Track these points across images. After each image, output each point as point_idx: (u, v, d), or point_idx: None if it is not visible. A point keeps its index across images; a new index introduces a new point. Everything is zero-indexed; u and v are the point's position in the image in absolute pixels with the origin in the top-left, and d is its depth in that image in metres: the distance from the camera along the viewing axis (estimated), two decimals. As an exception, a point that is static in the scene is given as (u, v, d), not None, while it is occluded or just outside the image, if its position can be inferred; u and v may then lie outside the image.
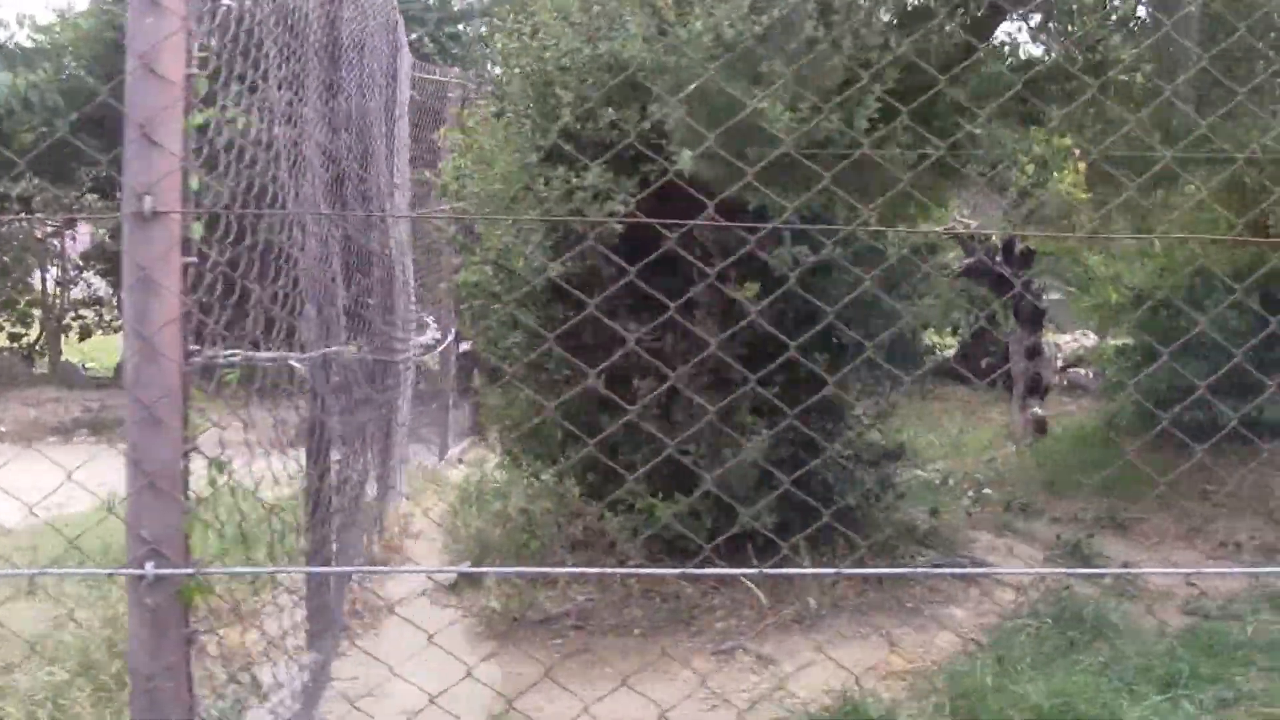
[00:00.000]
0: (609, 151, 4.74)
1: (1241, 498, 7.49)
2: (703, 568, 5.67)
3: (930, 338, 14.39)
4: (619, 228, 4.70)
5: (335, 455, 5.42)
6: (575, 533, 6.16)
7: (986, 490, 8.03)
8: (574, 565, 5.98)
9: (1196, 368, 7.37)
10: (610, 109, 4.71)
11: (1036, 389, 8.94)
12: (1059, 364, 9.42)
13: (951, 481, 8.26)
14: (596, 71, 4.67)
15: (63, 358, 16.72)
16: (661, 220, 4.90)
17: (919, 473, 8.64)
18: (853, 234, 5.28)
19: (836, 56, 4.55)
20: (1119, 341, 8.73)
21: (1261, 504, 7.39)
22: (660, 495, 5.56)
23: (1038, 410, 8.82)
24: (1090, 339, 9.76)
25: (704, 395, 5.31)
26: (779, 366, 4.81)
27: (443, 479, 8.88)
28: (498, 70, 5.05)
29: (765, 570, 4.94)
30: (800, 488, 5.46)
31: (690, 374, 5.26)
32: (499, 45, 4.93)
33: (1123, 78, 6.39)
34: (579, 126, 4.83)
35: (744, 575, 5.33)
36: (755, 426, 5.32)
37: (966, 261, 8.68)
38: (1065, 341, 10.99)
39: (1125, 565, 6.56)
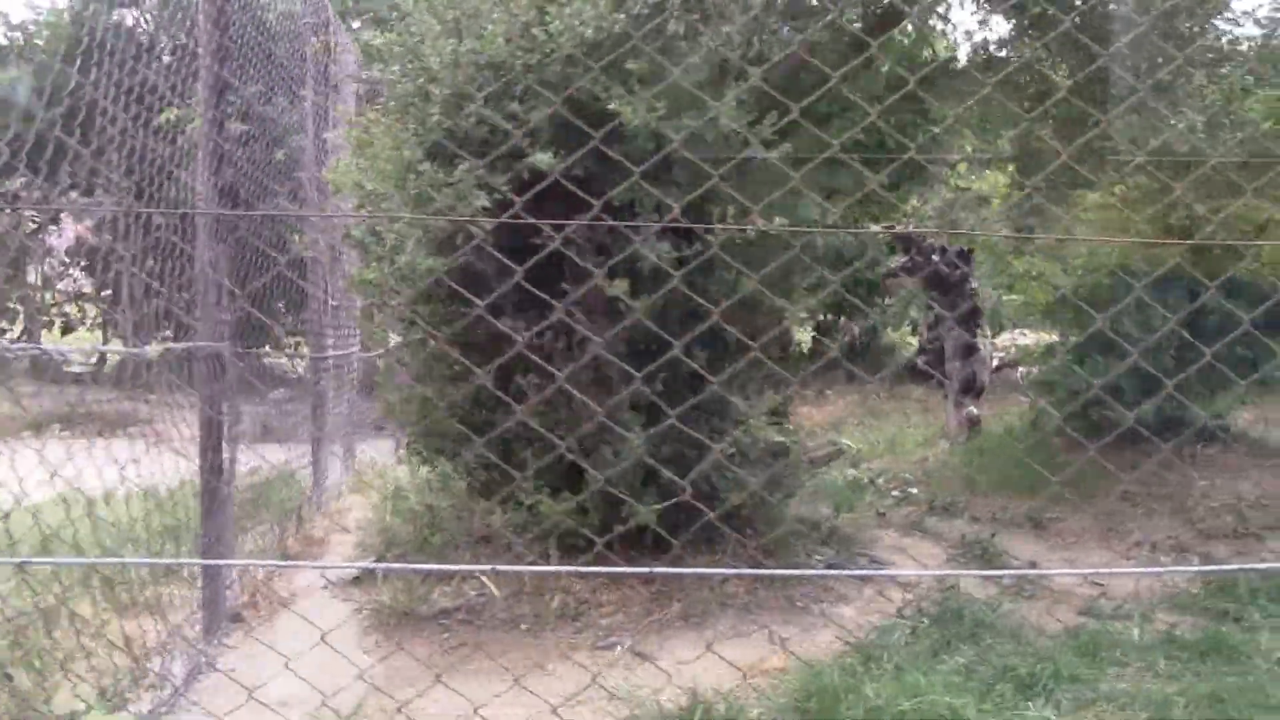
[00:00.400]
0: (485, 149, 4.78)
1: (1162, 498, 7.49)
2: (592, 564, 5.76)
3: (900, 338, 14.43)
4: (489, 225, 4.73)
5: (227, 450, 5.51)
6: (477, 528, 6.20)
7: (912, 489, 8.04)
8: (474, 560, 6.03)
9: (1128, 367, 7.39)
10: (480, 107, 4.74)
11: (972, 388, 8.94)
12: (995, 363, 9.41)
13: (881, 480, 8.27)
14: (468, 68, 4.70)
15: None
16: (550, 221, 4.97)
17: (852, 471, 8.69)
18: (739, 231, 5.30)
19: (698, 54, 4.58)
20: (1048, 341, 8.74)
21: (1180, 504, 7.38)
22: (550, 492, 5.60)
23: (973, 409, 8.82)
24: (1029, 338, 9.75)
25: (586, 393, 5.34)
26: (660, 365, 4.88)
27: (390, 474, 8.95)
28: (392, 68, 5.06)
29: (644, 570, 4.99)
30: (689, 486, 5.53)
31: (572, 371, 5.29)
32: (377, 42, 4.96)
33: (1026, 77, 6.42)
34: (452, 124, 4.86)
35: (625, 574, 5.37)
36: (633, 424, 5.34)
37: (903, 261, 8.69)
38: (1004, 341, 10.97)
39: (1032, 565, 6.59)
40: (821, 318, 14.69)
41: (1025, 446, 8.00)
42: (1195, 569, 6.10)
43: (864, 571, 5.34)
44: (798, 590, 5.79)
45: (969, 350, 8.88)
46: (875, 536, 6.65)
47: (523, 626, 5.51)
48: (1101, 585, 6.39)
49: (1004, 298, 8.45)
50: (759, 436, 5.46)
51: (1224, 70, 6.72)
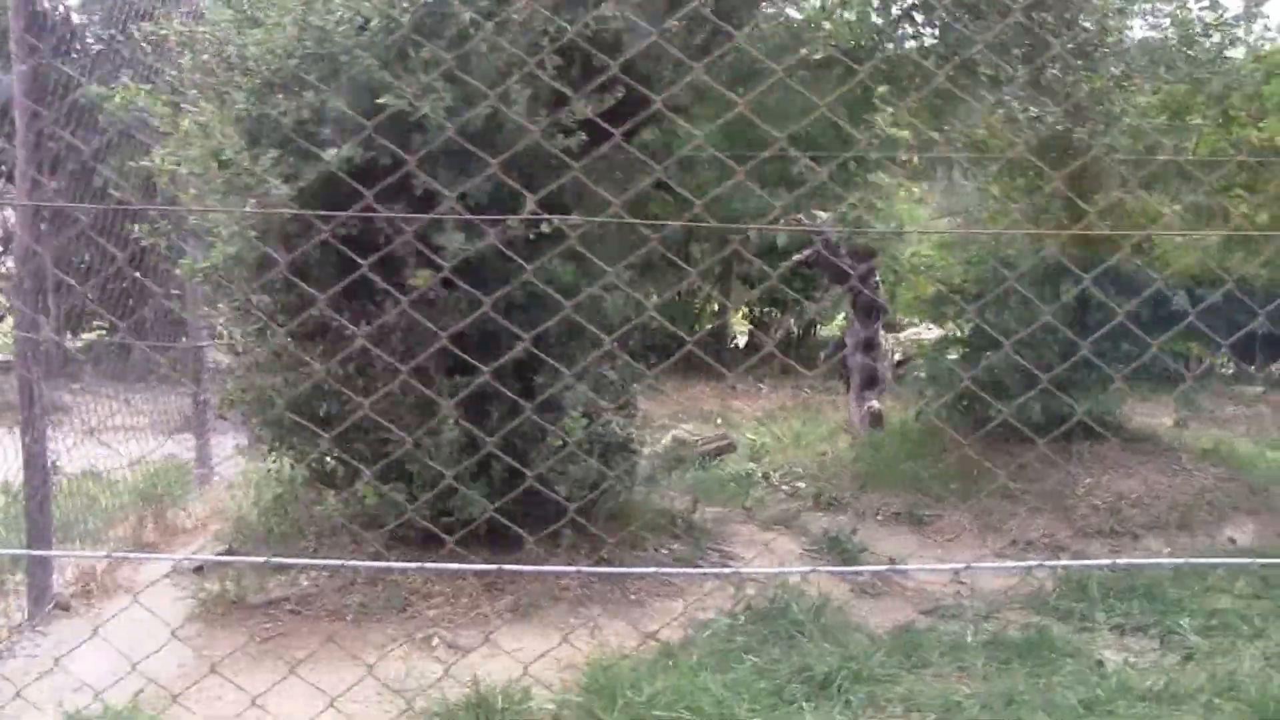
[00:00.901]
0: (286, 138, 4.73)
1: (1044, 495, 7.40)
2: (421, 556, 5.71)
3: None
4: (288, 216, 4.68)
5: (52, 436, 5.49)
6: (319, 517, 6.16)
7: (800, 484, 7.98)
8: (318, 549, 6.00)
9: (1012, 362, 7.31)
10: (280, 96, 4.69)
11: (873, 383, 8.85)
12: (897, 358, 9.33)
13: (775, 475, 8.21)
14: (266, 57, 4.65)
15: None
16: (400, 215, 4.92)
17: (752, 465, 8.64)
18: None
19: (487, 45, 4.51)
20: (939, 334, 8.65)
21: (1061, 502, 7.29)
22: (381, 482, 5.56)
23: (874, 404, 8.74)
24: (934, 332, 9.66)
25: (410, 384, 5.30)
26: (485, 358, 4.81)
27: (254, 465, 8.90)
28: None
29: (466, 566, 4.96)
30: (517, 478, 5.48)
31: (397, 362, 5.25)
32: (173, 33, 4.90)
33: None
34: (260, 113, 4.82)
35: (445, 570, 5.33)
36: (454, 415, 5.29)
37: (806, 253, 8.60)
38: (908, 335, 10.87)
39: (891, 561, 6.52)
40: (758, 311, 14.68)
41: (912, 442, 7.91)
42: (1013, 565, 6.06)
43: (670, 570, 5.29)
44: (636, 585, 5.74)
45: (869, 345, 8.80)
46: (736, 531, 6.59)
47: (348, 617, 5.47)
48: (965, 583, 6.33)
49: (892, 291, 8.36)
50: (604, 429, 5.41)
51: (1102, 63, 6.60)
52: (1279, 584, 6.30)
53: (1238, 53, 7.65)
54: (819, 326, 14.84)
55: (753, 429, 9.89)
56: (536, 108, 4.68)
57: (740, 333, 15.71)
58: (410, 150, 4.59)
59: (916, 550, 6.98)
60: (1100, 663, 5.02)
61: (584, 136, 4.65)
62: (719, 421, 11.22)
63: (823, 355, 12.28)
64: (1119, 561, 5.40)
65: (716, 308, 14.96)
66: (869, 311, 8.76)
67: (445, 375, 5.41)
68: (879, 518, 7.41)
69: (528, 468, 5.53)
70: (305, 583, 5.72)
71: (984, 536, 7.12)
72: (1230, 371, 14.39)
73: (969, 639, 5.30)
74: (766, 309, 14.80)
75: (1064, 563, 5.81)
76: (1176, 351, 8.22)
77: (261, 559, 5.00)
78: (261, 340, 5.74)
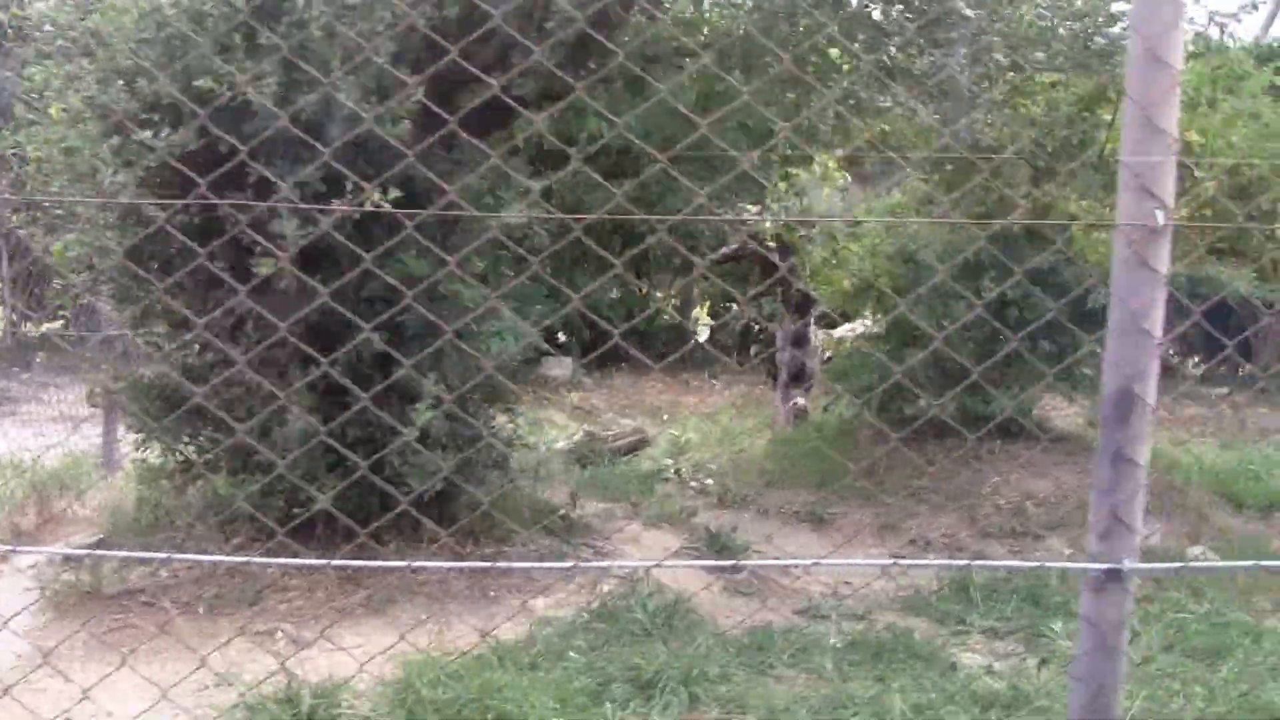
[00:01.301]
0: (144, 125, 4.67)
1: (952, 494, 7.26)
2: (275, 549, 5.62)
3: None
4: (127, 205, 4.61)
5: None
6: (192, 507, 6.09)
7: (709, 481, 7.87)
8: (185, 540, 5.93)
9: (925, 359, 7.18)
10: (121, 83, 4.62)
11: (800, 378, 8.71)
12: (826, 353, 9.18)
13: (687, 471, 8.10)
14: (110, 42, 4.58)
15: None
16: (237, 201, 4.83)
17: (669, 461, 8.52)
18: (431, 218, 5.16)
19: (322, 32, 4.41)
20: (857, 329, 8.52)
21: (963, 501, 7.15)
22: (234, 474, 5.49)
23: (799, 400, 8.60)
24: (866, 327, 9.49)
25: (260, 375, 5.22)
26: (345, 350, 4.73)
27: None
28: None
29: (292, 561, 4.89)
30: (375, 470, 5.38)
31: (251, 353, 5.16)
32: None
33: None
34: (97, 100, 4.74)
35: (292, 564, 5.25)
36: (305, 406, 5.21)
37: (732, 247, 8.47)
38: (844, 331, 10.70)
39: (777, 559, 6.39)
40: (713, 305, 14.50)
41: (826, 440, 7.78)
42: (882, 563, 5.92)
43: (506, 565, 5.19)
44: (497, 580, 5.64)
45: (799, 340, 8.66)
46: (620, 528, 6.47)
47: (200, 610, 5.39)
48: (849, 583, 6.21)
49: (811, 285, 8.21)
50: (466, 423, 5.31)
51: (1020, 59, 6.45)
52: (1172, 587, 6.15)
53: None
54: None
55: (685, 425, 9.76)
56: (368, 95, 4.59)
57: (704, 328, 15.57)
58: (246, 138, 4.51)
59: (813, 548, 6.86)
60: (954, 666, 4.89)
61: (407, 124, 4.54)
62: (665, 418, 11.13)
63: (753, 350, 12.14)
64: (957, 562, 5.25)
65: (677, 303, 14.84)
66: (797, 306, 8.61)
67: (300, 366, 5.32)
68: (781, 515, 7.28)
69: (382, 460, 5.45)
70: (165, 574, 5.66)
71: (883, 536, 6.99)
72: (1199, 373, 14.19)
73: (831, 641, 5.18)
74: (725, 304, 14.65)
75: (887, 562, 5.69)
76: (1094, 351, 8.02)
77: (85, 552, 4.93)
78: (137, 328, 5.69)
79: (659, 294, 13.37)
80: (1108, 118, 7.23)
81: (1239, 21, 6.80)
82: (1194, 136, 7.08)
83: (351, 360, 5.27)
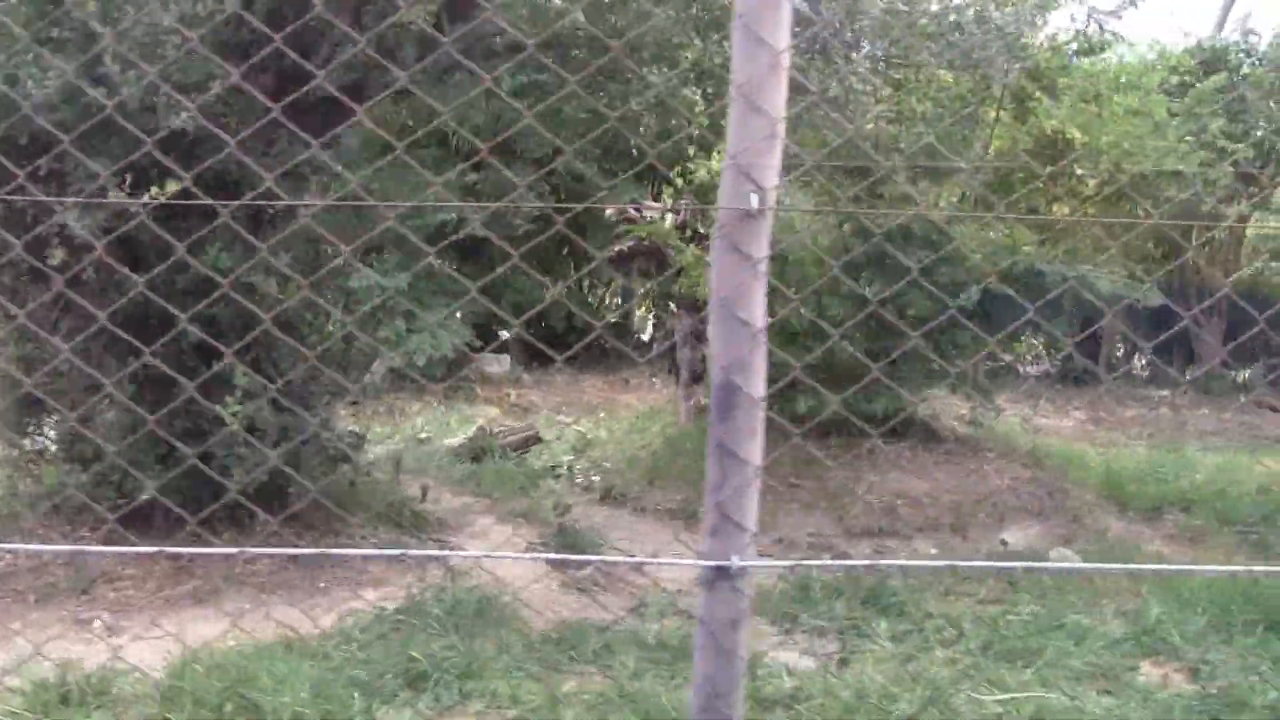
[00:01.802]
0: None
1: (828, 493, 7.23)
2: (106, 538, 5.69)
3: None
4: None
5: None
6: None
7: (595, 477, 7.89)
8: (35, 530, 6.02)
9: (806, 356, 7.15)
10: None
11: (702, 376, 8.69)
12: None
13: (580, 467, 8.14)
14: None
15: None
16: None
17: (567, 457, 8.54)
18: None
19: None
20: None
21: (837, 500, 7.12)
22: (70, 463, 5.57)
23: (701, 398, 8.59)
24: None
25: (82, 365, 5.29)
26: (164, 341, 4.78)
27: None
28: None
29: (128, 549, 4.95)
30: (201, 462, 5.44)
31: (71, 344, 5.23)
32: None
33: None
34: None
35: (118, 553, 5.33)
36: (129, 396, 5.27)
37: (630, 244, 8.47)
38: None
39: (630, 555, 6.40)
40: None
41: (699, 437, 7.75)
42: (690, 562, 5.86)
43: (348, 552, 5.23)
44: (329, 572, 5.68)
45: (699, 337, 8.64)
46: (473, 522, 6.50)
47: (31, 598, 5.47)
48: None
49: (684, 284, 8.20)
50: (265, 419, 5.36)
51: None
52: (1028, 588, 6.12)
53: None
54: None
55: (601, 422, 9.79)
56: (155, 90, 4.63)
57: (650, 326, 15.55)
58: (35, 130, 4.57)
59: (678, 545, 6.86)
60: (755, 664, 4.87)
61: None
62: (601, 414, 11.16)
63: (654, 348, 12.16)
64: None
65: (619, 301, 14.84)
66: (696, 303, 8.59)
67: (118, 357, 5.37)
68: (656, 513, 7.29)
69: (212, 452, 5.51)
70: (2, 564, 5.74)
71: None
72: (1146, 375, 14.09)
73: (649, 638, 5.18)
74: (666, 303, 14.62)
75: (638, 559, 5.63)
76: (962, 346, 7.94)
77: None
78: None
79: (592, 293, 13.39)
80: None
81: (1119, 19, 6.73)
82: (1075, 133, 7.01)
83: (173, 353, 5.34)
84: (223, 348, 4.40)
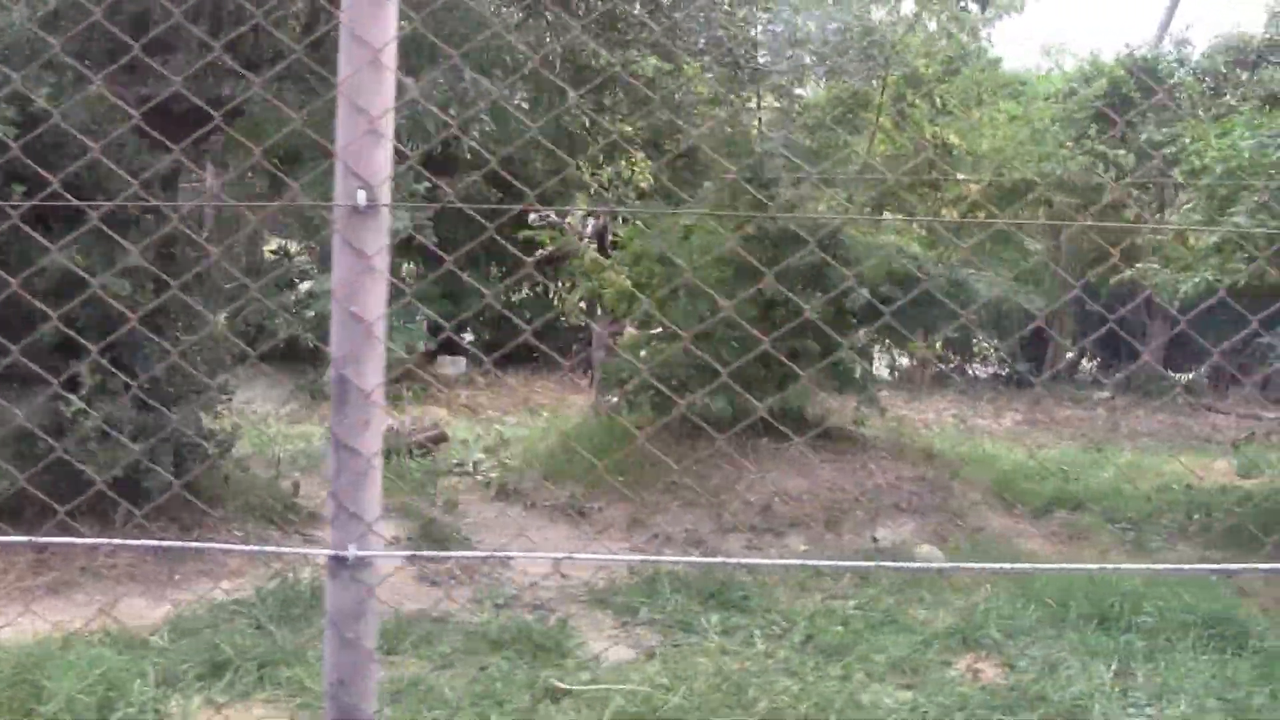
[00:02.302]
0: None
1: (707, 490, 7.35)
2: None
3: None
4: None
5: None
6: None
7: (494, 475, 8.07)
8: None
9: (693, 358, 7.31)
10: None
11: (612, 377, 8.83)
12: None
13: (476, 467, 8.32)
14: None
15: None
16: None
17: (480, 455, 8.72)
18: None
19: None
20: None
21: (718, 497, 7.24)
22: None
23: (613, 398, 8.72)
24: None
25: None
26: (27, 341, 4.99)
27: None
28: None
29: None
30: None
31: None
32: None
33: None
34: None
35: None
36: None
37: (550, 250, 8.63)
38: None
39: (498, 549, 6.55)
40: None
41: (614, 437, 7.90)
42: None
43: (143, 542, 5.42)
44: (188, 564, 5.88)
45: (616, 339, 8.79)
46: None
47: (-104, 589, 5.71)
48: (564, 575, 6.34)
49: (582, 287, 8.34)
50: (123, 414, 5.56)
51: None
52: (888, 584, 6.20)
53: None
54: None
55: (525, 421, 9.97)
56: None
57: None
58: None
59: (563, 543, 7.01)
60: (564, 657, 5.02)
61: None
62: (547, 414, 11.35)
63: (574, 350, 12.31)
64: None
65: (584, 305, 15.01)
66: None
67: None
68: (546, 509, 7.44)
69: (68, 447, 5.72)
70: (-122, 556, 5.99)
71: (630, 530, 7.12)
72: (1090, 378, 14.07)
73: (475, 629, 5.33)
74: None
75: (506, 553, 5.82)
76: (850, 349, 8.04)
77: None
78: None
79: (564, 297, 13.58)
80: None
81: (1002, 18, 6.78)
82: (954, 139, 7.09)
83: (32, 352, 5.56)
84: (90, 345, 4.61)
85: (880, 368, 14.41)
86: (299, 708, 4.33)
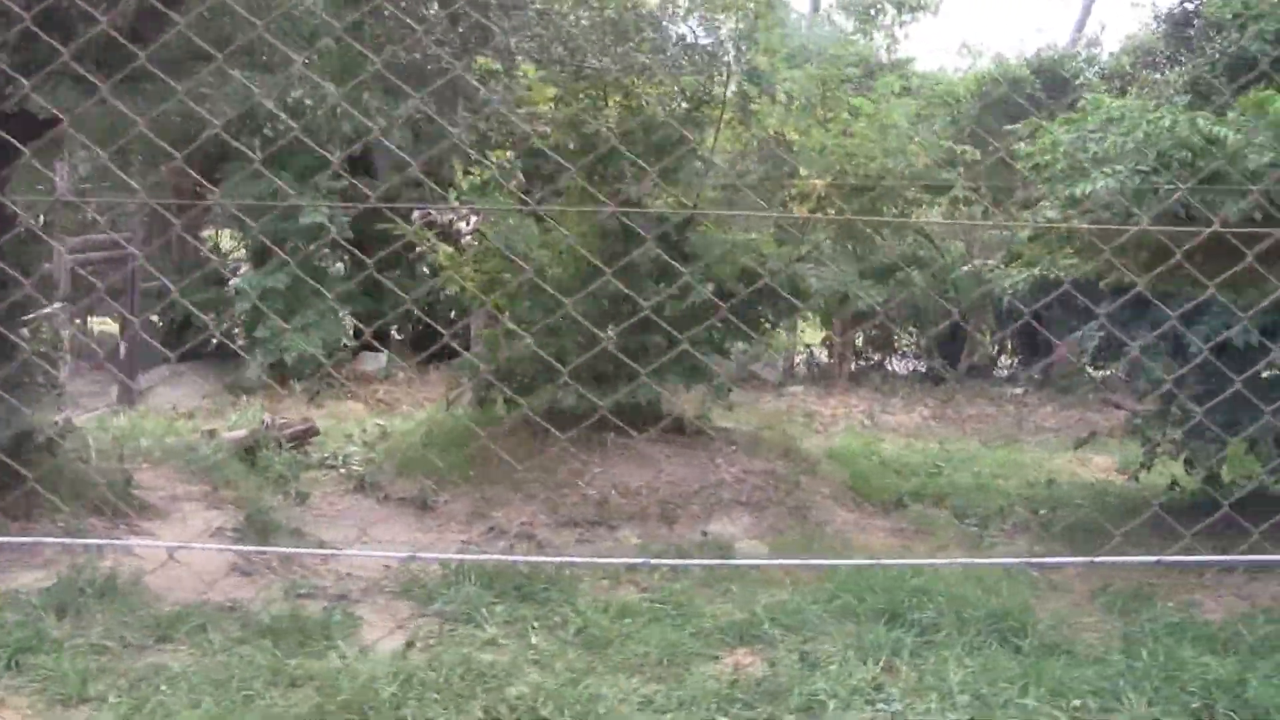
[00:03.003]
0: None
1: (551, 485, 7.44)
2: None
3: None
4: None
5: None
6: None
7: (357, 468, 8.20)
8: None
9: (567, 349, 7.42)
10: None
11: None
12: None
13: (343, 461, 8.48)
14: None
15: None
16: None
17: (353, 448, 8.84)
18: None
19: None
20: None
21: (559, 491, 7.33)
22: None
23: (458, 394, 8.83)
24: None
25: None
26: None
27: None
28: None
29: None
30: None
31: None
32: None
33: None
34: None
35: None
36: None
37: (390, 249, 8.73)
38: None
39: (321, 545, 6.67)
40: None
41: (470, 432, 8.00)
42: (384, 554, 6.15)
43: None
44: (7, 555, 6.03)
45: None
46: (180, 508, 6.82)
47: None
48: (389, 568, 6.45)
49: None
50: None
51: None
52: (708, 579, 6.25)
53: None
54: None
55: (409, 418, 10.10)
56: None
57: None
58: None
59: (406, 534, 7.13)
60: (331, 647, 5.12)
61: None
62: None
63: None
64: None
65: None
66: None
67: None
68: (397, 501, 7.57)
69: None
70: None
71: (470, 523, 7.22)
72: (1005, 374, 14.04)
73: (265, 619, 5.44)
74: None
75: (327, 552, 5.92)
76: (699, 343, 8.08)
77: None
78: None
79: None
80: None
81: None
82: (793, 135, 7.13)
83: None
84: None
85: (799, 365, 14.50)
86: (34, 694, 4.48)
